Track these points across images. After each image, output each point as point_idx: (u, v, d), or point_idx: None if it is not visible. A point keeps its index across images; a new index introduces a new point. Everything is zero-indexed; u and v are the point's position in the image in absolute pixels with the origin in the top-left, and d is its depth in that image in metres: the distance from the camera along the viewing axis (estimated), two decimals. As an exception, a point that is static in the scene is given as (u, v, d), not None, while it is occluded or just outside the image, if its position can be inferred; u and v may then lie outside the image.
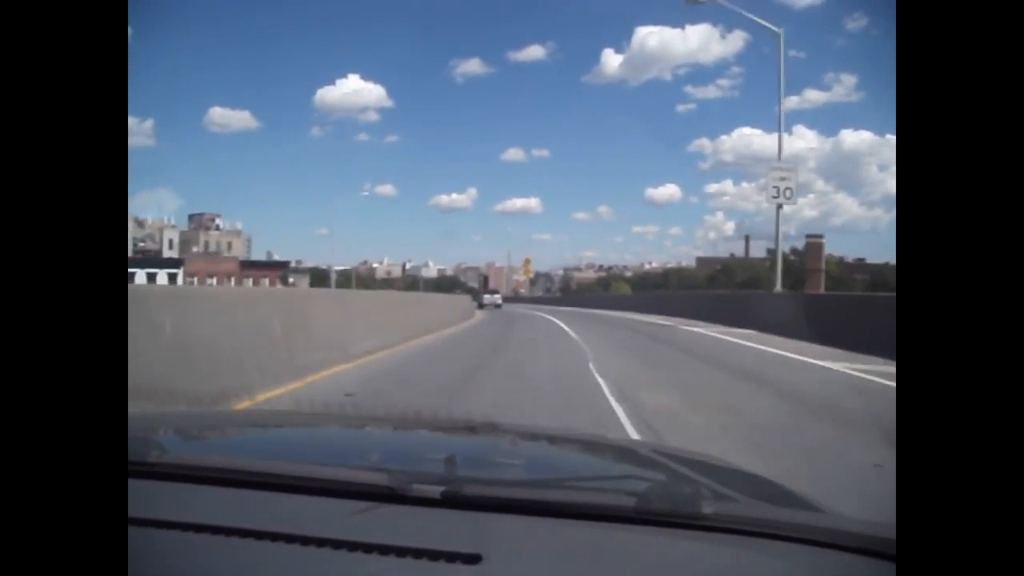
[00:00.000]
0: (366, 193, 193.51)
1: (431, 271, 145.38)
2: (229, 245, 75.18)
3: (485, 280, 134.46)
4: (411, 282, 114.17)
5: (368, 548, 0.82)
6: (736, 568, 0.86)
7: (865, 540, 0.88)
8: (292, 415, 3.05)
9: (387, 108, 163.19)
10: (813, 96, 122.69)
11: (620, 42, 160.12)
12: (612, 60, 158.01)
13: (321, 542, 0.83)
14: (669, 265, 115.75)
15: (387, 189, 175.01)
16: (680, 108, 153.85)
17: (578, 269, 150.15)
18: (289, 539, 0.83)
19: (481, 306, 35.92)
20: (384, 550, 0.81)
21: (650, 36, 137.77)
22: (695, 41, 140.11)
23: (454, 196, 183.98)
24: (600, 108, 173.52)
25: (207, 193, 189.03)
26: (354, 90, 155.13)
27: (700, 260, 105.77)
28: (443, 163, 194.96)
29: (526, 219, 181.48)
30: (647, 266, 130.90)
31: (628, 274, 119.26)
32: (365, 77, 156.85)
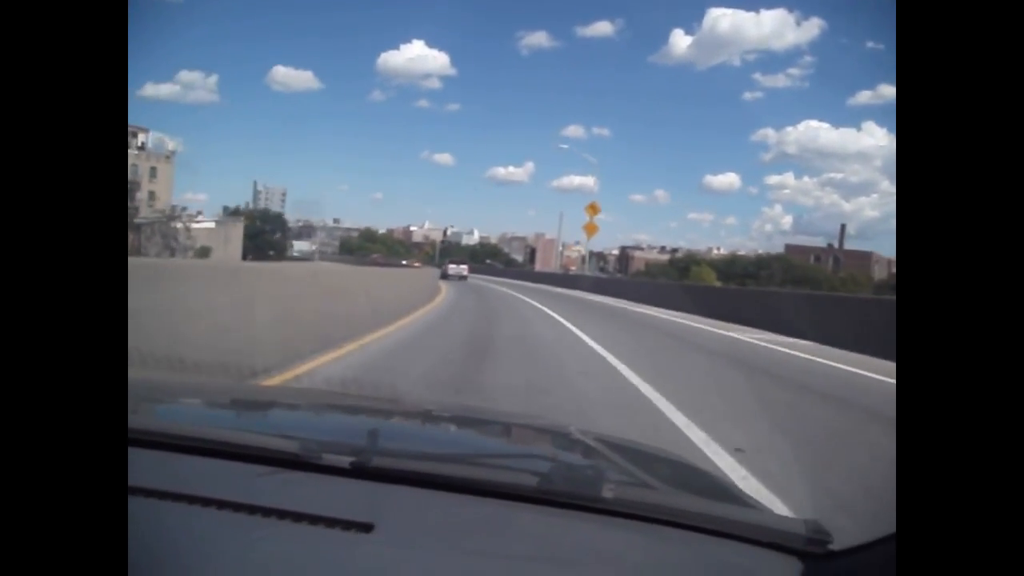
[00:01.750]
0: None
1: (473, 238, 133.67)
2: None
3: (532, 252, 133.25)
4: (444, 248, 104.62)
5: (267, 512, 0.83)
6: (632, 552, 0.86)
7: (772, 533, 0.88)
8: (269, 390, 3.51)
9: (450, 76, 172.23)
10: (887, 91, 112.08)
11: (691, 23, 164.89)
12: (681, 41, 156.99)
13: (221, 504, 0.84)
14: (747, 252, 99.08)
15: (444, 158, 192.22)
16: (747, 96, 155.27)
17: (639, 248, 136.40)
18: (191, 500, 0.84)
19: (444, 277, 32.15)
20: (282, 515, 0.82)
21: (722, 18, 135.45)
22: (768, 26, 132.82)
23: (511, 169, 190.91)
24: (664, 90, 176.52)
25: (265, 151, 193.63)
26: (418, 56, 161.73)
27: (790, 248, 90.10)
28: (502, 134, 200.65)
29: (581, 197, 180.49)
30: (714, 251, 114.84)
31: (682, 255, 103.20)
32: (430, 44, 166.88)
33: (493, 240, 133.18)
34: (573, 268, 78.43)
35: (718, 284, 51.57)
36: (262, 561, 0.75)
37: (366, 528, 0.81)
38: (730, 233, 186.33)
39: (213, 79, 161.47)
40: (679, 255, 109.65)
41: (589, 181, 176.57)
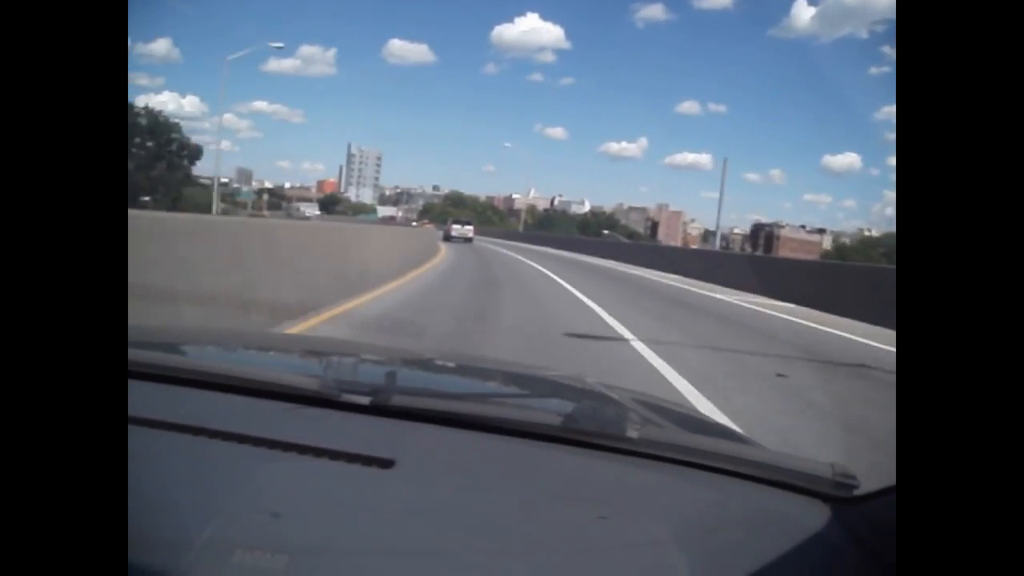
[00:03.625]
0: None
1: (584, 207, 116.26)
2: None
3: (654, 226, 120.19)
4: (547, 216, 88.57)
5: (287, 447, 0.81)
6: (659, 493, 0.84)
7: (799, 476, 0.87)
8: (287, 337, 3.45)
9: (564, 50, 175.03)
10: None
11: None
12: (804, 12, 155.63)
13: (241, 438, 0.83)
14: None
15: (557, 132, 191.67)
16: (873, 71, 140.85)
17: (779, 226, 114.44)
18: (211, 434, 0.83)
19: (447, 238, 30.75)
20: (302, 449, 0.81)
21: None
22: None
23: (624, 144, 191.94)
24: (784, 65, 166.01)
25: (380, 123, 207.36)
26: (532, 28, 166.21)
27: None
28: (616, 109, 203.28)
29: (695, 175, 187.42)
30: (866, 232, 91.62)
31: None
32: (544, 17, 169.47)
33: (607, 210, 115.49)
34: (693, 245, 72.48)
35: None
36: (282, 494, 0.74)
37: (387, 464, 0.79)
38: (848, 216, 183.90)
39: (331, 53, 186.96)
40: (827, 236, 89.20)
41: (703, 158, 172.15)
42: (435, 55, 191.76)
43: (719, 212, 38.77)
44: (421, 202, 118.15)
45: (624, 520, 0.76)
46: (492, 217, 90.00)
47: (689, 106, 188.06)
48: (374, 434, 0.89)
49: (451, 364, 1.79)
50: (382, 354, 1.79)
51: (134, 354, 0.92)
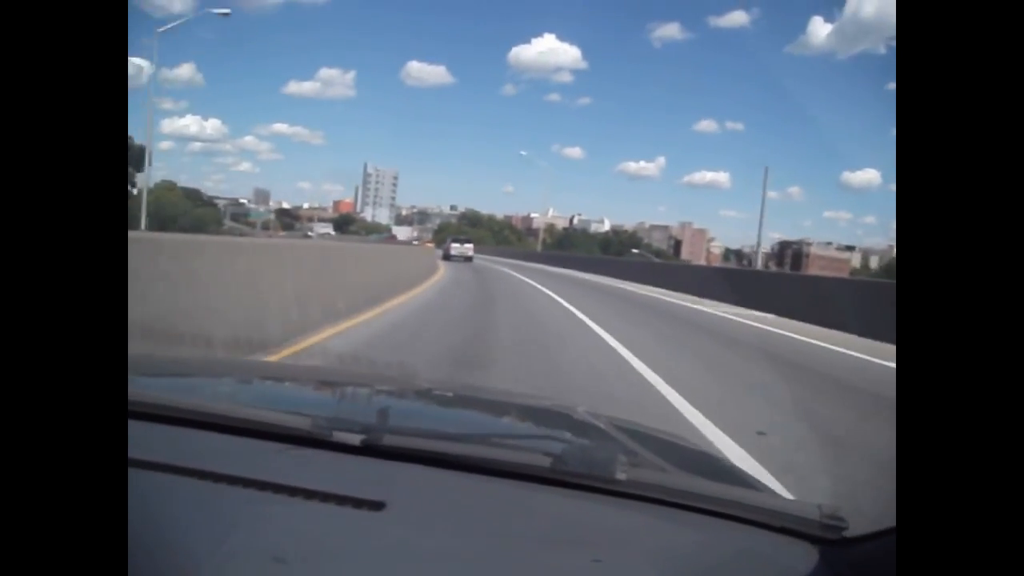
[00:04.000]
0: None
1: (604, 226, 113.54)
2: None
3: (677, 245, 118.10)
4: (567, 235, 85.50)
5: (277, 488, 0.82)
6: (647, 535, 0.84)
7: (785, 518, 0.86)
8: (276, 367, 3.42)
9: (581, 70, 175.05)
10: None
11: (831, 9, 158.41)
12: (820, 29, 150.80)
13: (232, 480, 0.83)
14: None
15: (575, 151, 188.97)
16: (890, 86, 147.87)
17: (807, 243, 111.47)
18: (201, 475, 0.83)
19: (447, 257, 30.16)
20: (292, 491, 0.81)
21: (867, 2, 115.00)
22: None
23: (642, 164, 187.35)
24: (802, 82, 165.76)
25: (398, 144, 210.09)
26: (549, 49, 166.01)
27: None
28: (633, 129, 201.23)
29: (713, 193, 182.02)
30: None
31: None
32: (561, 38, 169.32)
33: (629, 227, 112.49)
34: (716, 264, 71.25)
35: None
36: (273, 537, 0.74)
37: (377, 506, 0.80)
38: (868, 232, 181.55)
39: (351, 75, 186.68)
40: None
41: (721, 176, 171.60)
42: (453, 76, 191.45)
43: (760, 228, 35.80)
44: (438, 221, 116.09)
45: (613, 564, 0.76)
46: (509, 236, 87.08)
47: (707, 124, 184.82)
48: (365, 475, 0.89)
49: (444, 395, 1.73)
50: (374, 384, 1.76)
51: (131, 392, 0.91)
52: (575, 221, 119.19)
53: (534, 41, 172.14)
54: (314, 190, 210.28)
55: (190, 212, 55.04)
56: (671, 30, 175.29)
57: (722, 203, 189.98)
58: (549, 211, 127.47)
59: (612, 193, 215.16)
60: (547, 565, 0.74)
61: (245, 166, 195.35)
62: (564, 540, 0.80)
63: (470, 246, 33.88)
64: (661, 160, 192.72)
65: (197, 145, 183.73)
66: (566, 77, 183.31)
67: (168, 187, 62.39)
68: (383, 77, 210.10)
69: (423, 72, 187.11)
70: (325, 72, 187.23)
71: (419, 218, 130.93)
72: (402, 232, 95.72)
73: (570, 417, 1.49)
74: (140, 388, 1.01)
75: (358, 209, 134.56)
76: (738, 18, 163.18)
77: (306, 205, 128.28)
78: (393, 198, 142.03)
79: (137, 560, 0.61)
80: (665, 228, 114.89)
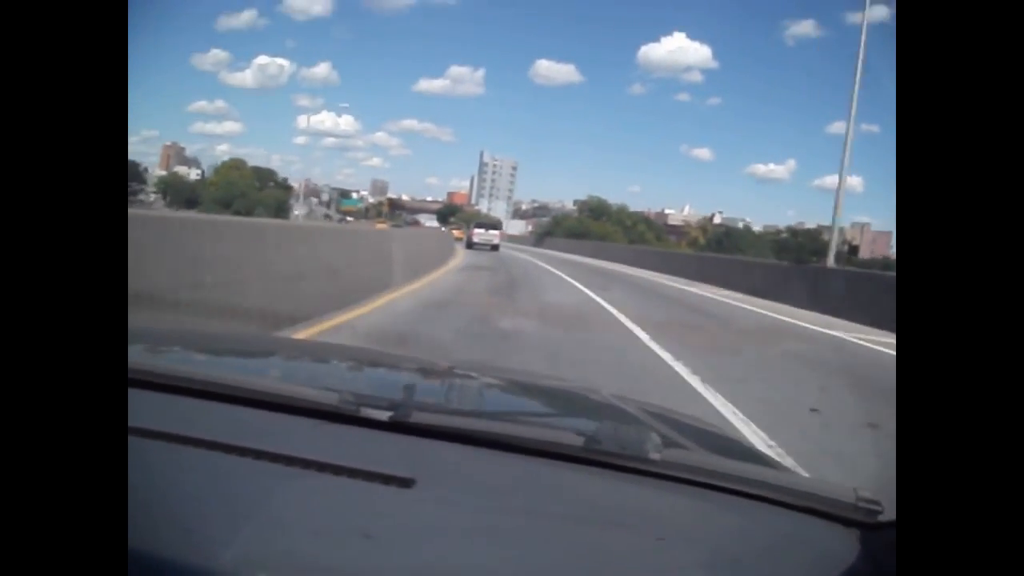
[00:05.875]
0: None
1: (753, 226, 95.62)
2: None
3: (852, 249, 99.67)
4: (721, 235, 69.58)
5: (306, 463, 0.81)
6: (680, 516, 0.84)
7: (821, 501, 0.85)
8: (299, 343, 3.38)
9: (711, 69, 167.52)
10: None
11: None
12: None
13: (258, 454, 0.82)
14: None
15: (703, 152, 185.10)
16: None
17: None
18: (226, 448, 0.82)
19: (470, 245, 28.61)
20: (320, 467, 0.80)
21: None
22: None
23: (771, 166, 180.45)
24: None
25: (523, 140, 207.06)
26: (679, 48, 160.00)
27: None
28: (764, 130, 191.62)
29: (848, 198, 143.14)
30: None
31: None
32: (691, 36, 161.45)
33: (808, 226, 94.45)
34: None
35: None
36: (301, 513, 0.73)
37: (406, 483, 0.79)
38: None
39: (480, 73, 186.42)
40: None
41: (854, 180, 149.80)
42: (581, 75, 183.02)
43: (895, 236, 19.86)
44: (551, 215, 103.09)
45: (649, 544, 0.76)
46: (645, 233, 70.49)
47: (840, 127, 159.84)
48: (393, 452, 0.88)
49: (469, 375, 1.65)
50: (399, 363, 1.76)
51: (145, 363, 0.92)
52: (716, 219, 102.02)
53: (664, 40, 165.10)
54: (441, 185, 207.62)
55: (249, 195, 45.63)
56: (806, 27, 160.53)
57: (853, 208, 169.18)
58: (685, 208, 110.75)
59: (740, 195, 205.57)
60: (575, 544, 0.73)
61: (375, 161, 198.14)
62: (596, 520, 0.79)
63: (495, 233, 31.38)
64: (791, 163, 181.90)
65: (331, 140, 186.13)
66: (696, 77, 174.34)
67: (234, 165, 53.56)
68: (512, 75, 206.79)
69: (552, 70, 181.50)
70: (455, 70, 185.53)
71: (538, 212, 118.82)
72: (514, 228, 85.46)
73: (597, 398, 1.49)
74: (171, 362, 1.05)
75: (472, 201, 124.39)
76: (879, 12, 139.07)
77: (430, 198, 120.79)
78: (511, 191, 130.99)
79: (153, 536, 0.61)
80: (841, 230, 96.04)
